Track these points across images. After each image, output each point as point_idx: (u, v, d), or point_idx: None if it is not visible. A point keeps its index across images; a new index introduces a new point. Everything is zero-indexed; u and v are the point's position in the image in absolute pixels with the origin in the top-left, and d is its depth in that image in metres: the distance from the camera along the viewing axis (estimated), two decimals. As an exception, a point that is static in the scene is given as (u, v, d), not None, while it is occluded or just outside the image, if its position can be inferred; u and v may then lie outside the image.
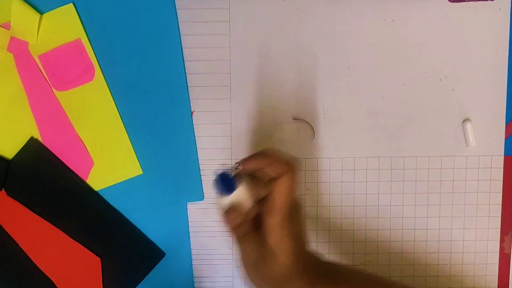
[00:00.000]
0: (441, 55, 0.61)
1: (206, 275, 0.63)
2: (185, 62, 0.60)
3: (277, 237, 0.48)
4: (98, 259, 0.62)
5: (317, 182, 0.62)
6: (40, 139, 0.61)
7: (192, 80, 0.61)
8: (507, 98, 0.61)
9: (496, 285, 0.63)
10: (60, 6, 0.59)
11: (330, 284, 0.51)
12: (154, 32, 0.60)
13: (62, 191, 0.61)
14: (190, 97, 0.61)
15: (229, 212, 0.49)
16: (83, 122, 0.61)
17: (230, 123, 0.61)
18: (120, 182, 0.62)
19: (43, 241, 0.61)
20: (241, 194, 0.49)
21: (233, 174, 0.50)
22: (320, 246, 0.63)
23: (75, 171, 0.61)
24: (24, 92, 0.60)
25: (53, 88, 0.60)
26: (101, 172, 0.61)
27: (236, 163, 0.50)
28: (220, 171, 0.49)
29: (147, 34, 0.60)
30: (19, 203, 0.61)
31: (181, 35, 0.60)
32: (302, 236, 0.51)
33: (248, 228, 0.50)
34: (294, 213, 0.50)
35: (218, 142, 0.61)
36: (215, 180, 0.49)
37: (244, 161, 0.49)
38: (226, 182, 0.49)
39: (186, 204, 0.62)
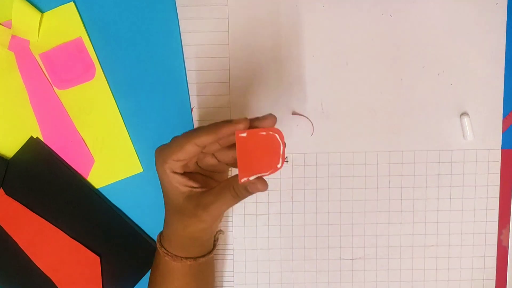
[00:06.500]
0: (439, 49, 0.61)
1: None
2: (184, 59, 0.61)
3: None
4: (98, 257, 0.62)
5: (316, 177, 0.62)
6: (41, 137, 0.61)
7: (191, 76, 0.61)
8: (504, 91, 0.61)
9: (494, 278, 0.63)
10: (61, 4, 0.60)
11: None
12: (154, 30, 0.60)
13: (61, 190, 0.61)
14: (189, 94, 0.61)
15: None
16: (84, 120, 0.61)
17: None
18: (121, 180, 0.62)
19: (42, 240, 0.62)
20: None
21: None
22: (319, 240, 0.63)
23: (76, 169, 0.61)
24: (25, 90, 0.60)
25: (54, 87, 0.60)
26: (102, 170, 0.62)
27: None
28: None
29: (148, 32, 0.60)
30: (18, 202, 0.61)
31: (181, 32, 0.60)
32: None
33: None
34: None
35: (217, 138, 0.62)
36: None
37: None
38: None
39: (186, 200, 0.63)
